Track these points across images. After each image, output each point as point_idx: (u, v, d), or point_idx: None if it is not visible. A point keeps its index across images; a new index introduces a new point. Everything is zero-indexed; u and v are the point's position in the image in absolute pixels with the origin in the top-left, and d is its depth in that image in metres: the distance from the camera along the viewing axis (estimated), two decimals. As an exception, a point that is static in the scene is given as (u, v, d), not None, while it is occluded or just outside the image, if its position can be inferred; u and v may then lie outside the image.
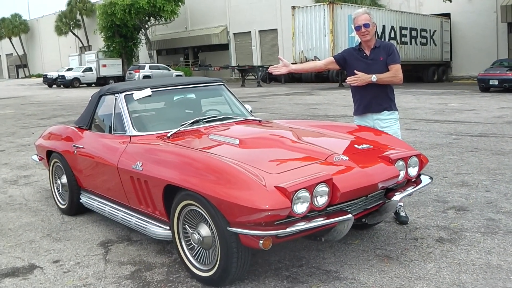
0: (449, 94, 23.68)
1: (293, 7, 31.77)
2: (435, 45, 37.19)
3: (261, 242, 3.72)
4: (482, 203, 6.06)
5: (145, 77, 41.88)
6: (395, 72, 5.40)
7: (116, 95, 5.63)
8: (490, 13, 36.01)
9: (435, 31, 37.00)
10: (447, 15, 38.41)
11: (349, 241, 4.99)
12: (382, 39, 28.30)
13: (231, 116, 5.78)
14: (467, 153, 9.10)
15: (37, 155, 7.34)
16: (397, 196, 4.38)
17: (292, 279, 4.25)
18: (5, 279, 4.55)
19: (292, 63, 5.94)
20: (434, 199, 6.29)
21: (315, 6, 31.85)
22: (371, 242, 5.01)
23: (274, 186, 3.69)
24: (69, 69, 51.62)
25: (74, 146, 5.98)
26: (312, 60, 27.00)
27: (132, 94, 5.56)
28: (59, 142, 6.48)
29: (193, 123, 5.33)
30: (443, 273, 4.24)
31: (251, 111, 6.15)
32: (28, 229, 5.92)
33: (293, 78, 40.14)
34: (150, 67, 46.14)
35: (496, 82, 23.62)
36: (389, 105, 5.54)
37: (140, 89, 5.62)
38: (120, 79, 48.18)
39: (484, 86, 24.27)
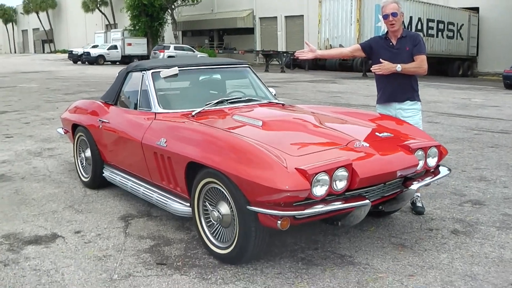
0: (473, 89, 23.49)
1: (321, -6, 31.62)
2: (462, 39, 36.74)
3: (279, 222, 3.79)
4: (499, 198, 6.08)
5: (169, 57, 41.94)
6: (420, 62, 5.42)
7: (143, 72, 5.71)
8: (520, 9, 35.57)
9: (463, 25, 36.55)
10: (476, 9, 37.90)
11: (364, 228, 5.06)
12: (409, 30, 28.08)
13: (255, 98, 5.84)
14: (487, 148, 9.09)
15: (62, 128, 7.46)
16: (415, 185, 4.42)
17: (307, 261, 4.33)
18: (28, 246, 4.69)
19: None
20: (452, 192, 6.32)
21: (342, -6, 31.67)
22: (386, 230, 5.07)
23: (295, 168, 3.75)
24: (94, 46, 51.99)
25: (99, 120, 6.08)
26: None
27: (159, 72, 5.63)
28: (85, 116, 6.59)
29: (217, 103, 5.39)
30: (455, 264, 4.30)
31: (275, 95, 6.21)
32: (51, 199, 6.07)
33: (317, 65, 39.99)
34: (175, 48, 46.22)
35: (521, 80, 23.36)
36: (412, 95, 5.57)
37: (167, 67, 5.69)
38: (144, 58, 48.29)
39: (509, 83, 23.96)
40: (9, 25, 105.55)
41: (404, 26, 27.97)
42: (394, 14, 5.38)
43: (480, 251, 4.55)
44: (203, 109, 5.22)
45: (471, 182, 6.77)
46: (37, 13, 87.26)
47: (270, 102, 5.84)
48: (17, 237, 4.93)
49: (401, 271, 4.15)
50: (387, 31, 5.57)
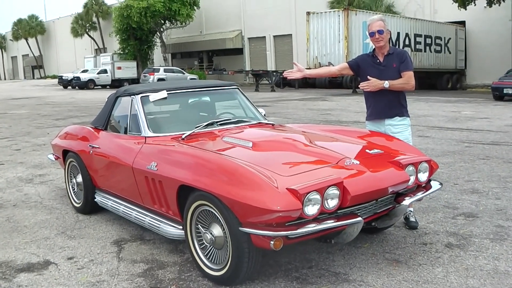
0: (462, 102, 23.63)
1: (308, 13, 31.81)
2: (450, 52, 37.07)
3: (272, 242, 3.78)
4: (492, 210, 6.10)
5: (159, 80, 42.05)
6: (408, 79, 5.46)
7: (132, 96, 5.73)
8: (506, 21, 35.80)
9: (450, 38, 36.89)
10: (462, 23, 38.28)
11: (358, 245, 5.05)
12: (397, 46, 28.34)
13: (245, 119, 5.86)
14: (479, 160, 9.13)
15: (53, 154, 7.44)
16: (406, 201, 4.44)
17: (301, 280, 4.32)
18: (20, 274, 4.66)
19: (306, 69, 6.02)
20: (444, 205, 6.34)
21: (330, 12, 31.91)
22: (380, 246, 5.06)
23: (286, 188, 3.76)
24: (84, 71, 51.97)
25: (90, 146, 6.08)
26: (326, 66, 27.03)
27: (148, 96, 5.66)
28: (75, 141, 6.59)
29: (207, 125, 5.41)
30: (450, 277, 4.30)
31: (264, 115, 6.23)
32: (43, 226, 6.03)
33: (306, 83, 40.14)
34: (165, 70, 46.38)
35: (510, 91, 23.49)
36: (401, 111, 5.60)
37: (156, 91, 5.71)
38: (134, 81, 48.32)
39: (498, 94, 24.15)
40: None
41: (392, 42, 28.26)
42: (380, 32, 5.42)
43: (474, 264, 4.56)
44: (193, 132, 5.24)
45: (464, 195, 6.79)
46: (26, 39, 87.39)
47: (259, 123, 5.86)
48: (9, 265, 4.89)
49: (396, 287, 4.14)
50: (374, 49, 5.61)
